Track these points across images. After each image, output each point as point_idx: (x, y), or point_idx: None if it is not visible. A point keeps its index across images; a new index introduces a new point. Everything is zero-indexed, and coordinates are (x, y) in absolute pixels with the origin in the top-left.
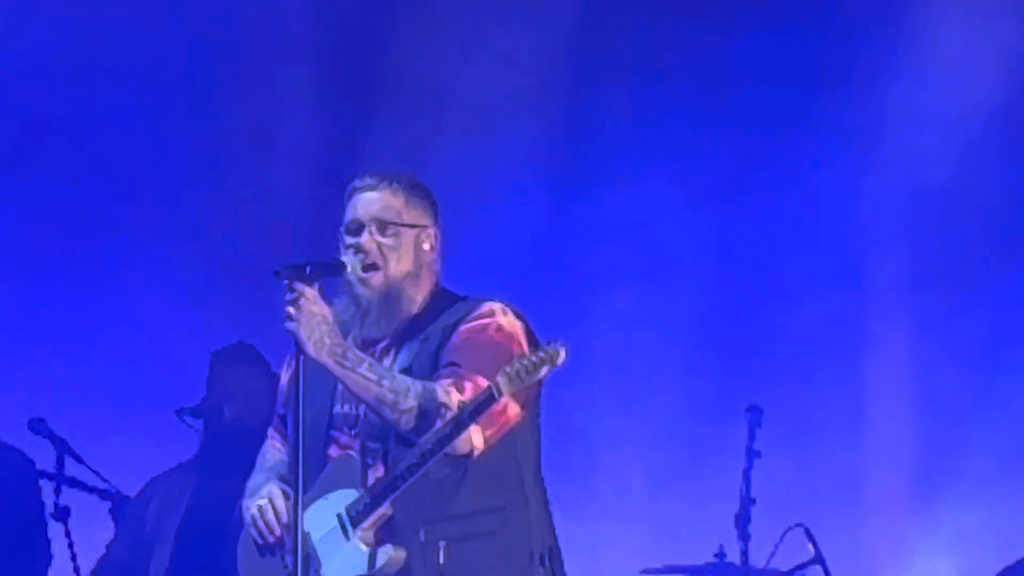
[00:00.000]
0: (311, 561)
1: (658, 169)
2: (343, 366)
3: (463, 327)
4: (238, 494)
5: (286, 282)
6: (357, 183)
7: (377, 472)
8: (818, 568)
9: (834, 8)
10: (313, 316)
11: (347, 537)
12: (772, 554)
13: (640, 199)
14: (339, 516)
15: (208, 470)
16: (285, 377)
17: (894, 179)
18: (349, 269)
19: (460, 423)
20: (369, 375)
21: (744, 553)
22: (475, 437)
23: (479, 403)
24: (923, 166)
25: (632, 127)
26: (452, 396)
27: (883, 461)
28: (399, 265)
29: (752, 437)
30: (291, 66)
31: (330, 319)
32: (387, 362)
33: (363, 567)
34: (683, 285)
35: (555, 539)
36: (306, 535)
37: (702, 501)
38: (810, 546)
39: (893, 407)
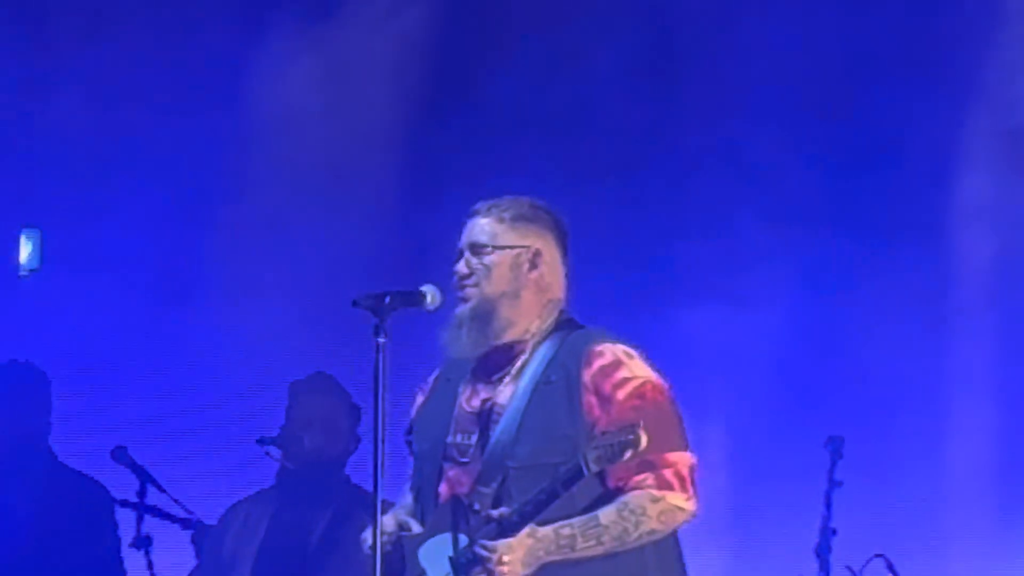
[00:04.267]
0: None
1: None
2: (568, 552)
3: (606, 384)
4: (316, 523)
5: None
6: (470, 210)
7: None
8: None
9: None
10: (521, 561)
11: None
12: None
13: None
14: (450, 560)
15: (286, 499)
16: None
17: None
18: (429, 300)
19: (554, 493)
20: (588, 543)
21: None
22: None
23: (569, 477)
24: None
25: None
26: (668, 495)
27: (965, 490)
28: (492, 285)
29: (833, 466)
30: None
31: (527, 544)
32: (505, 395)
33: None
34: (764, 312)
35: None
36: (423, 573)
37: (783, 531)
38: None
39: (974, 435)
